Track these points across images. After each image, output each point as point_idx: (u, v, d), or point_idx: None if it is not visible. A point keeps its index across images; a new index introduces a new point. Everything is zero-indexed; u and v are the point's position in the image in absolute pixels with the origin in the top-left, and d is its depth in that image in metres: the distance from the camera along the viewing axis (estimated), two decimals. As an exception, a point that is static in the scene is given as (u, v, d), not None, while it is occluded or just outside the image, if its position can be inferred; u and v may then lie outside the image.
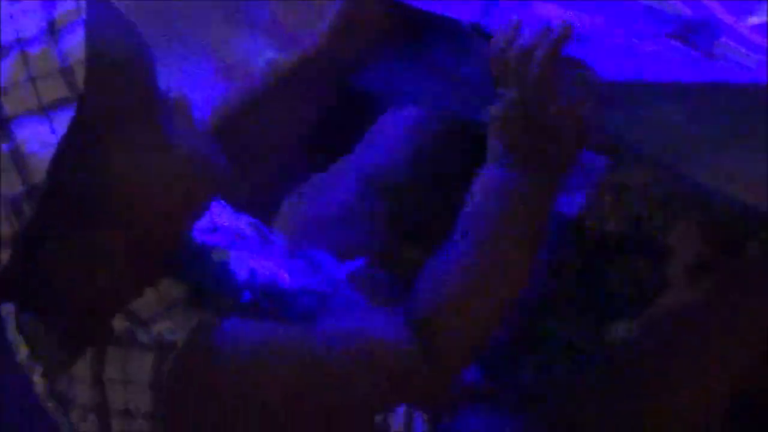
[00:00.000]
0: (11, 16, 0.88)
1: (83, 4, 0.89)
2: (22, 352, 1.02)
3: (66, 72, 0.87)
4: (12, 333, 1.04)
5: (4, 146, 0.86)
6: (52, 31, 0.88)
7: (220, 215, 1.09)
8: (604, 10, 1.06)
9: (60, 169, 0.87)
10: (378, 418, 1.06)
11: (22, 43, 0.87)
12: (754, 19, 1.05)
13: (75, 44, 0.87)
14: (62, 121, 0.87)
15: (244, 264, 1.03)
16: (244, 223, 1.11)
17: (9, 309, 1.05)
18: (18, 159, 0.86)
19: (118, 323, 0.96)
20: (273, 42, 1.42)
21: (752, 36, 1.04)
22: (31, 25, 0.88)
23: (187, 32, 1.42)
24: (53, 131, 0.87)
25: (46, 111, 0.87)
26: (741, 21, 1.05)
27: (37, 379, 1.01)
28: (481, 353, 1.01)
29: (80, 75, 0.87)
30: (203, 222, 1.03)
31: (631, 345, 1.19)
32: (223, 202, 1.09)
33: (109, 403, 0.96)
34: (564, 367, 1.23)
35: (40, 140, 0.86)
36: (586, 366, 1.21)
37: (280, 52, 1.39)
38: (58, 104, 0.87)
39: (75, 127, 0.87)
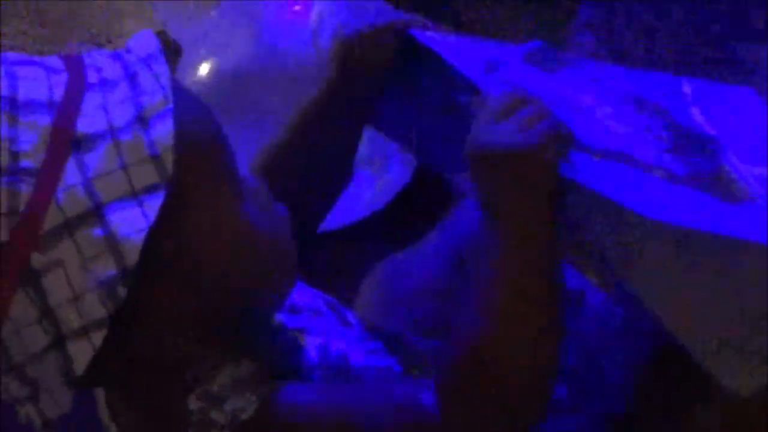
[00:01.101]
0: (102, 106, 0.91)
1: (170, 94, 0.91)
2: (113, 433, 1.04)
3: (156, 159, 0.89)
4: (104, 417, 1.05)
5: (99, 231, 0.88)
6: (142, 120, 0.90)
7: (298, 293, 1.10)
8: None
9: (150, 250, 0.89)
10: None
11: (114, 132, 0.90)
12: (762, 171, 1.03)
13: (164, 133, 0.90)
14: (153, 206, 0.89)
15: (317, 343, 1.05)
16: (320, 302, 1.13)
17: (100, 392, 1.06)
18: (112, 243, 0.88)
19: (194, 404, 0.97)
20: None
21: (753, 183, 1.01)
22: (121, 114, 0.90)
23: (263, 100, 1.47)
24: (144, 215, 0.89)
25: (137, 196, 0.89)
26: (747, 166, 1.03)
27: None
28: (540, 407, 0.98)
29: (169, 162, 0.89)
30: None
31: None
32: (299, 280, 1.10)
33: None
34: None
35: (132, 225, 0.88)
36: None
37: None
38: (149, 190, 0.89)
39: (164, 210, 0.89)
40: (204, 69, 1.59)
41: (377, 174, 1.58)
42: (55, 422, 0.91)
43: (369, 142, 1.31)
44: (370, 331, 1.11)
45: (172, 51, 0.95)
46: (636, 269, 0.98)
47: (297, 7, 1.55)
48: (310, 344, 1.04)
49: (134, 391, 0.98)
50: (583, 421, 1.15)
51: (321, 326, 1.08)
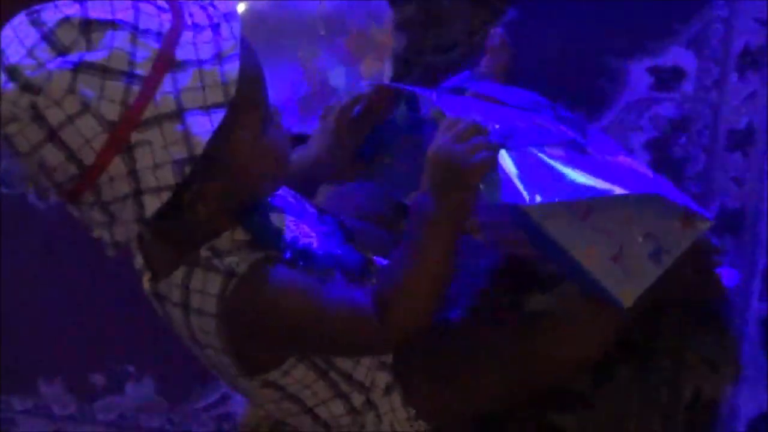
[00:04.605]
0: (193, 42, 1.27)
1: (239, 43, 1.28)
2: (139, 260, 1.44)
3: (224, 86, 1.26)
4: (134, 246, 1.44)
5: (179, 126, 1.25)
6: (219, 57, 1.27)
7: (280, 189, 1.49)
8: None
9: (210, 146, 1.25)
10: (347, 368, 1.48)
11: (200, 62, 1.26)
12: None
13: (232, 69, 1.27)
14: (217, 117, 1.26)
15: (291, 231, 1.43)
16: (290, 195, 1.52)
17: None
18: (186, 136, 1.24)
19: (203, 252, 1.37)
20: (341, 64, 1.86)
21: None
22: (206, 51, 1.27)
23: (286, 44, 1.87)
24: (211, 122, 1.25)
25: (208, 109, 1.25)
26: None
27: (146, 282, 1.42)
28: (421, 326, 1.39)
29: (233, 89, 1.26)
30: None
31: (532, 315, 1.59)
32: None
33: (190, 303, 1.37)
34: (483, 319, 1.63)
35: (202, 127, 1.25)
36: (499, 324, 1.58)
37: (346, 68, 1.82)
38: (216, 106, 1.26)
39: (223, 120, 1.26)
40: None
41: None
42: (120, 243, 1.29)
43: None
44: (321, 216, 1.50)
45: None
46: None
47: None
48: (287, 229, 1.42)
49: (166, 236, 1.37)
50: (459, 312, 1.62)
51: (291, 211, 1.46)
